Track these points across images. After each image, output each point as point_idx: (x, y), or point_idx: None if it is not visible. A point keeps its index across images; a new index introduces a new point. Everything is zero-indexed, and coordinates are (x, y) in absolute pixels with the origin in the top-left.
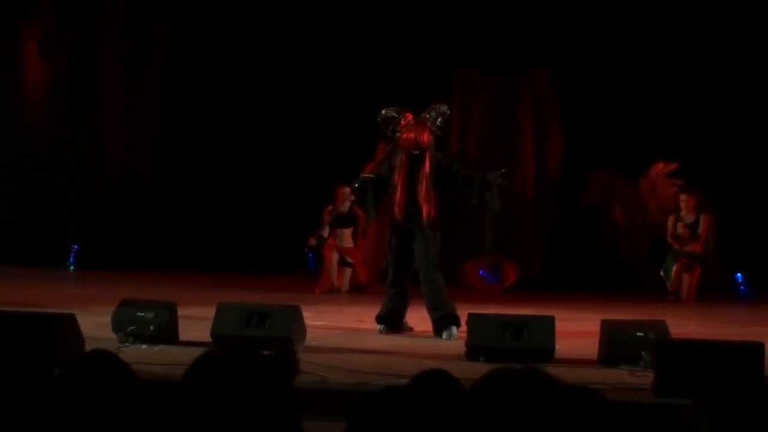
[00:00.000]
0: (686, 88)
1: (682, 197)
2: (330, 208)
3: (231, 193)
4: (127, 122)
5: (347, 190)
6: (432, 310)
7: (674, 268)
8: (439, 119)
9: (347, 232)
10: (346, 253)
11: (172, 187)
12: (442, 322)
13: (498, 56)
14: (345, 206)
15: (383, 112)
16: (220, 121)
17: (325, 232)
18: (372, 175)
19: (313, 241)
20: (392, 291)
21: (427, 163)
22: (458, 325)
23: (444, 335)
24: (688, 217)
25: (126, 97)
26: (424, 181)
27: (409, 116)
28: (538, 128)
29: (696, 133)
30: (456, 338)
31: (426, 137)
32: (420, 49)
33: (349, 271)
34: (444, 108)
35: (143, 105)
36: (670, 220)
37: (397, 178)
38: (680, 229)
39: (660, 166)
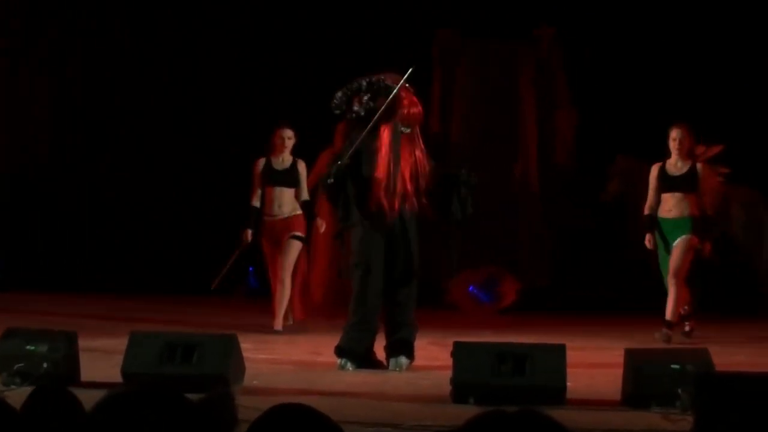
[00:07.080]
0: (729, 54)
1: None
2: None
3: (149, 199)
4: (15, 116)
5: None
6: (390, 328)
7: None
8: None
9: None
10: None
11: (70, 191)
12: (395, 346)
13: (490, 15)
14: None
15: (379, 78)
16: (125, 117)
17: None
18: (348, 162)
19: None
20: (359, 315)
21: (420, 141)
22: (410, 357)
23: (391, 364)
24: None
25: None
26: (416, 166)
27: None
28: (542, 104)
29: (743, 111)
30: (405, 369)
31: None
32: (395, 8)
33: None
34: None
35: (31, 96)
36: None
37: (381, 163)
38: None
39: (700, 150)
